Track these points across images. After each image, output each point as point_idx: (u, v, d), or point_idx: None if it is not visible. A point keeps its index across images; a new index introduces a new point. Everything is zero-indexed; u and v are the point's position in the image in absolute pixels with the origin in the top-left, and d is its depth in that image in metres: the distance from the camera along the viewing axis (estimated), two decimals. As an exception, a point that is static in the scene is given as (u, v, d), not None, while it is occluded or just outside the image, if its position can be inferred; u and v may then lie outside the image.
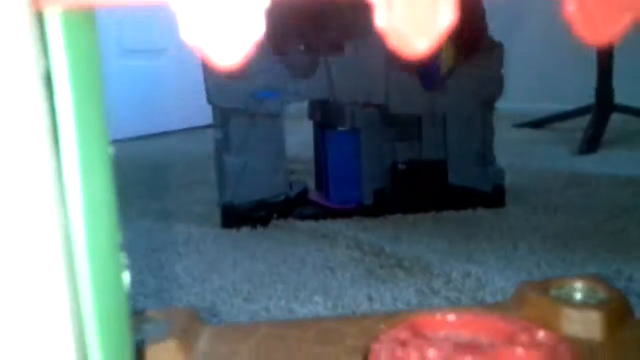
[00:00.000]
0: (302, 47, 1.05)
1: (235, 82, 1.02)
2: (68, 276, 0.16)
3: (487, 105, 1.09)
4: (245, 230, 1.05)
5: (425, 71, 1.07)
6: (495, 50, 1.07)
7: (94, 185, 0.17)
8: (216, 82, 1.01)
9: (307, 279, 0.83)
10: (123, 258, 0.19)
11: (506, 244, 0.92)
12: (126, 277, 0.19)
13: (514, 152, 1.56)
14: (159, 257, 0.94)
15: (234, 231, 1.05)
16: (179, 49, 2.10)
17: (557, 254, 0.87)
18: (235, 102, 1.02)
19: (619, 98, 1.68)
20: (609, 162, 1.44)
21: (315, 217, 1.08)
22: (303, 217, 1.08)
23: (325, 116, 1.12)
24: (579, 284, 0.29)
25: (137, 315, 0.28)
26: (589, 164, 1.43)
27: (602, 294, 0.28)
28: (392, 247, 0.92)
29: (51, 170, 0.15)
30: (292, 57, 1.05)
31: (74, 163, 0.16)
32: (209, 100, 1.03)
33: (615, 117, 1.68)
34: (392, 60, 1.06)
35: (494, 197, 1.10)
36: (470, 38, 1.05)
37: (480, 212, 1.09)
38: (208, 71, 1.01)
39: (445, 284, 0.79)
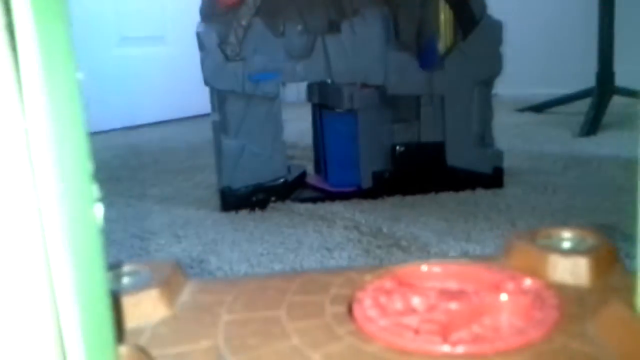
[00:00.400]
0: (299, 28, 1.04)
1: (232, 64, 1.02)
2: (34, 205, 0.16)
3: (486, 84, 1.08)
4: (243, 213, 1.05)
5: (424, 51, 1.06)
6: (493, 27, 1.06)
7: (62, 113, 0.17)
8: (213, 64, 1.01)
9: (305, 259, 0.83)
10: (95, 190, 0.19)
11: (504, 223, 0.91)
12: (99, 210, 0.19)
13: (516, 136, 1.55)
14: (158, 239, 0.94)
15: (232, 214, 1.05)
16: (178, 36, 2.10)
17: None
18: (232, 84, 1.02)
19: (620, 81, 1.67)
20: (609, 144, 1.43)
21: (314, 200, 1.08)
22: (301, 201, 1.08)
23: (323, 98, 1.12)
24: (566, 233, 0.28)
25: (120, 267, 0.27)
26: (589, 146, 1.43)
27: (589, 242, 0.28)
28: (389, 228, 0.92)
29: (16, 101, 0.15)
30: (289, 38, 1.05)
31: (39, 87, 0.16)
32: (206, 83, 1.02)
33: (616, 100, 1.67)
34: (390, 40, 1.05)
35: (492, 178, 1.10)
36: (469, 17, 1.04)
37: (479, 192, 1.08)
38: (205, 53, 1.01)
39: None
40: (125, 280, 0.27)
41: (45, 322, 0.16)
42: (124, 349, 0.20)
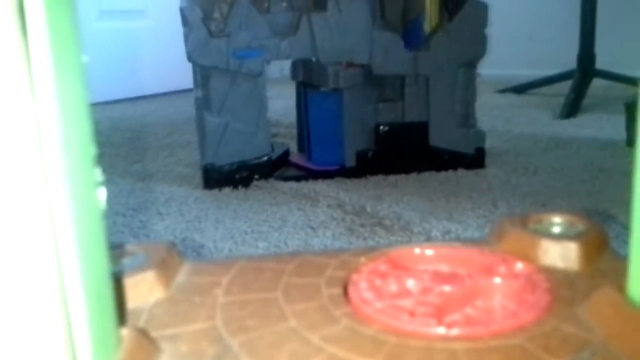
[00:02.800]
0: (284, 5, 1.03)
1: (216, 40, 1.00)
2: (43, 192, 0.16)
3: (471, 65, 1.09)
4: (226, 191, 1.05)
5: (409, 31, 1.06)
6: (479, 9, 1.06)
7: (69, 96, 0.17)
8: (197, 40, 1.00)
9: (289, 237, 0.83)
10: (98, 174, 0.19)
11: (486, 203, 0.92)
12: (102, 193, 0.19)
13: (497, 117, 1.57)
14: (140, 217, 0.94)
15: (215, 192, 1.05)
16: (158, 10, 2.06)
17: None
18: (216, 60, 1.01)
19: (601, 64, 1.69)
20: (589, 126, 1.45)
21: (297, 179, 1.08)
22: (285, 179, 1.08)
23: (308, 76, 1.11)
24: (557, 219, 0.29)
25: (117, 249, 0.27)
26: (570, 128, 1.44)
27: (580, 227, 0.28)
28: (373, 207, 0.92)
29: (26, 84, 0.15)
30: (275, 15, 1.04)
31: (48, 70, 0.15)
32: (190, 59, 1.01)
33: (597, 83, 1.69)
34: (376, 20, 1.05)
35: (475, 159, 1.11)
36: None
37: (461, 173, 1.09)
38: (189, 29, 1.00)
39: (425, 242, 0.80)
40: (122, 262, 0.27)
41: (53, 306, 0.16)
42: (125, 331, 0.21)
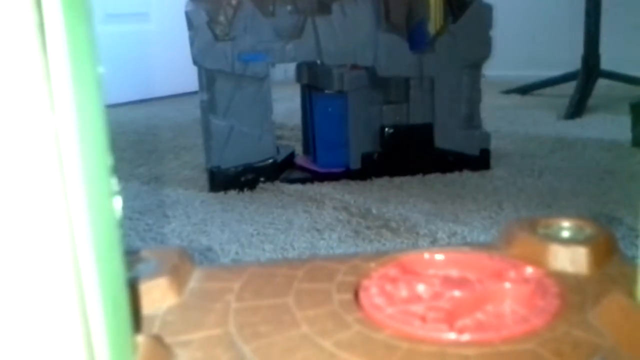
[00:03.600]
0: (289, 8, 1.04)
1: (221, 44, 1.01)
2: (61, 199, 0.16)
3: (475, 67, 1.09)
4: (232, 193, 1.05)
5: (414, 33, 1.06)
6: (483, 11, 1.06)
7: (86, 108, 0.17)
8: (202, 43, 1.00)
9: (295, 239, 0.84)
10: (114, 184, 0.19)
11: (491, 205, 0.92)
12: (118, 202, 0.19)
13: (501, 118, 1.57)
14: (147, 220, 0.94)
15: (221, 194, 1.05)
16: (163, 13, 2.07)
17: (542, 215, 0.88)
18: (221, 63, 1.01)
19: (605, 64, 1.69)
20: (594, 126, 1.45)
21: (303, 181, 1.08)
22: (290, 181, 1.08)
23: (312, 79, 1.12)
24: (566, 223, 0.29)
25: (130, 255, 0.28)
26: (575, 128, 1.44)
27: (589, 231, 0.29)
28: (379, 209, 0.93)
29: (46, 97, 0.15)
30: (279, 18, 1.04)
31: (66, 83, 0.16)
32: (195, 62, 1.02)
33: (601, 83, 1.69)
34: (380, 22, 1.05)
35: (480, 160, 1.11)
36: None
37: (466, 174, 1.09)
38: (194, 32, 1.00)
39: (431, 244, 0.80)
40: (135, 268, 0.27)
41: (72, 313, 0.16)
42: (141, 338, 0.21)
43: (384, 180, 1.08)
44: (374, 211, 0.92)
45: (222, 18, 1.01)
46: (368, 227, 0.86)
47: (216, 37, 1.01)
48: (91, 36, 0.17)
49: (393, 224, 0.87)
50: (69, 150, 0.16)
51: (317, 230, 0.86)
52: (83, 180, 0.17)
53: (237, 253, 0.81)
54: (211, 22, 1.00)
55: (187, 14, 1.00)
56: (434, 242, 0.80)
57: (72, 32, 0.15)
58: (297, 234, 0.85)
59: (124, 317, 0.20)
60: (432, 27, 1.07)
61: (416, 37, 1.06)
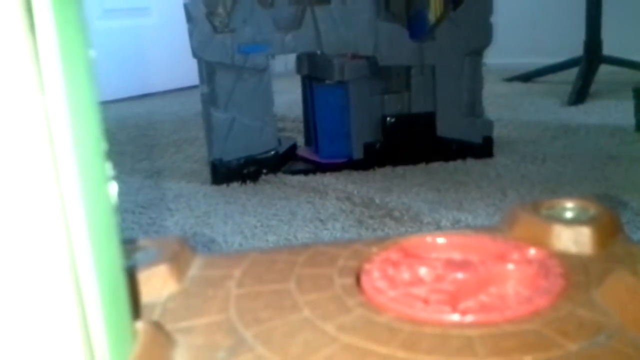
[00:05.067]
0: (288, -2, 1.03)
1: (220, 36, 1.00)
2: (55, 188, 0.16)
3: (476, 54, 1.08)
4: (235, 185, 1.05)
5: (414, 21, 1.06)
6: (483, -3, 1.06)
7: (77, 90, 0.17)
8: (201, 36, 1.00)
9: (298, 230, 0.84)
10: (109, 169, 0.19)
11: (495, 192, 0.92)
12: (113, 187, 0.19)
13: (504, 106, 1.56)
14: (150, 213, 0.94)
15: (224, 187, 1.05)
16: (162, 7, 2.06)
17: (546, 201, 0.88)
18: (220, 56, 1.01)
19: (607, 50, 1.68)
20: (596, 112, 1.44)
21: (305, 172, 1.08)
22: (293, 173, 1.08)
23: (313, 69, 1.11)
24: (569, 204, 0.29)
25: (129, 244, 0.27)
26: (578, 114, 1.44)
27: (592, 211, 0.28)
28: (382, 198, 0.92)
29: (35, 78, 0.15)
30: (278, 9, 1.04)
31: (56, 64, 0.15)
32: (194, 54, 1.01)
33: (604, 69, 1.68)
34: (380, 11, 1.05)
35: (482, 148, 1.11)
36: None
37: (470, 162, 1.09)
38: (193, 24, 1.00)
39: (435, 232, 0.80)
40: (135, 256, 0.27)
41: (68, 300, 0.16)
42: (140, 325, 0.21)
43: (387, 170, 1.08)
44: (377, 201, 0.92)
45: (220, 10, 1.00)
46: (371, 217, 0.86)
47: (215, 29, 1.00)
48: (81, 18, 0.16)
49: (396, 213, 0.86)
50: (60, 132, 0.16)
51: (321, 220, 0.86)
52: (76, 164, 0.16)
53: (240, 245, 0.81)
54: (210, 14, 1.00)
55: (185, 6, 1.00)
56: (437, 230, 0.80)
57: (61, 13, 0.15)
58: (301, 224, 0.85)
59: (122, 303, 0.20)
60: (432, 14, 1.06)
61: (416, 25, 1.06)
